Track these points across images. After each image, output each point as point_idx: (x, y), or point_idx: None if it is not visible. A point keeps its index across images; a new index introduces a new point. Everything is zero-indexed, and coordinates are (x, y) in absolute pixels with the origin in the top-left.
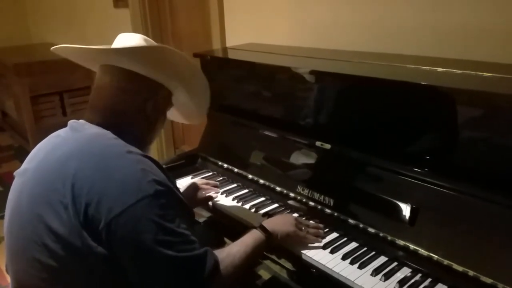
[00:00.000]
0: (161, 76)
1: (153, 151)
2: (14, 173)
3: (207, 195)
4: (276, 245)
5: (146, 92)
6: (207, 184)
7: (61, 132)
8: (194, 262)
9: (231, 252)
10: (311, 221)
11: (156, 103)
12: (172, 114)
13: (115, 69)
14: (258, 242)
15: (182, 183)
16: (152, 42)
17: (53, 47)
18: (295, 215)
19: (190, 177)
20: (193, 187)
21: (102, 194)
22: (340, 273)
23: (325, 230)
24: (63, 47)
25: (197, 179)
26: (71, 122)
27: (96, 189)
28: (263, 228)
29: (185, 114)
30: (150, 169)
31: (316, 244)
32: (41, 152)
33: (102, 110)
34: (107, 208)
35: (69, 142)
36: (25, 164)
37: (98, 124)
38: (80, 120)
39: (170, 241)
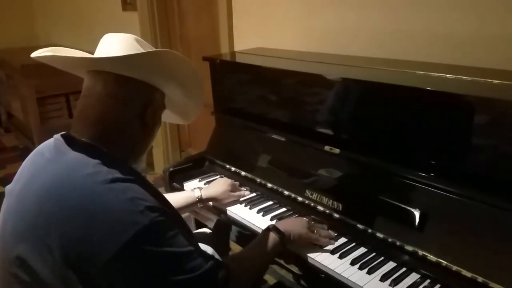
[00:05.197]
0: (159, 79)
1: (159, 154)
2: (5, 188)
3: (239, 193)
4: (288, 247)
5: (143, 98)
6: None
7: (45, 149)
8: (206, 279)
9: (247, 256)
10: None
11: (155, 108)
12: (166, 115)
13: (106, 75)
14: (273, 244)
15: (190, 186)
16: (144, 42)
17: (34, 54)
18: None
19: (197, 180)
20: (228, 184)
21: (92, 234)
22: (349, 278)
23: (334, 235)
24: (48, 56)
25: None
26: (57, 139)
27: (84, 229)
28: (276, 229)
29: (180, 113)
30: (139, 195)
31: (324, 249)
32: (25, 174)
33: (93, 122)
34: (101, 248)
35: (49, 170)
36: (13, 183)
37: (88, 139)
38: (68, 134)
39: (178, 266)
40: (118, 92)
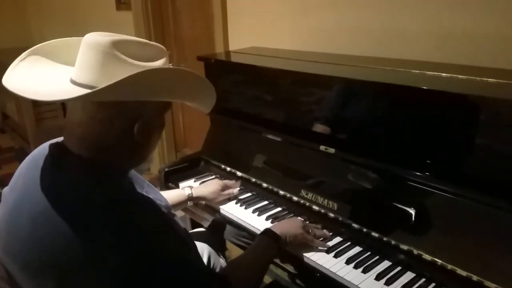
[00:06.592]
0: (139, 97)
1: (155, 154)
2: (2, 191)
3: (229, 191)
4: (285, 249)
5: (129, 114)
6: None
7: (40, 160)
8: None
9: (245, 263)
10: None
11: (145, 122)
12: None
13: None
14: (269, 248)
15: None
16: (130, 43)
17: (8, 85)
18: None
19: (193, 180)
20: (220, 185)
21: (86, 263)
22: (344, 277)
23: (329, 235)
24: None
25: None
26: (52, 149)
27: (77, 257)
28: (272, 233)
29: (190, 104)
30: (134, 219)
31: (320, 248)
32: (20, 183)
33: (80, 138)
34: (97, 275)
35: (43, 188)
36: (9, 189)
37: (80, 152)
38: (62, 145)
39: (174, 286)
40: (98, 114)
